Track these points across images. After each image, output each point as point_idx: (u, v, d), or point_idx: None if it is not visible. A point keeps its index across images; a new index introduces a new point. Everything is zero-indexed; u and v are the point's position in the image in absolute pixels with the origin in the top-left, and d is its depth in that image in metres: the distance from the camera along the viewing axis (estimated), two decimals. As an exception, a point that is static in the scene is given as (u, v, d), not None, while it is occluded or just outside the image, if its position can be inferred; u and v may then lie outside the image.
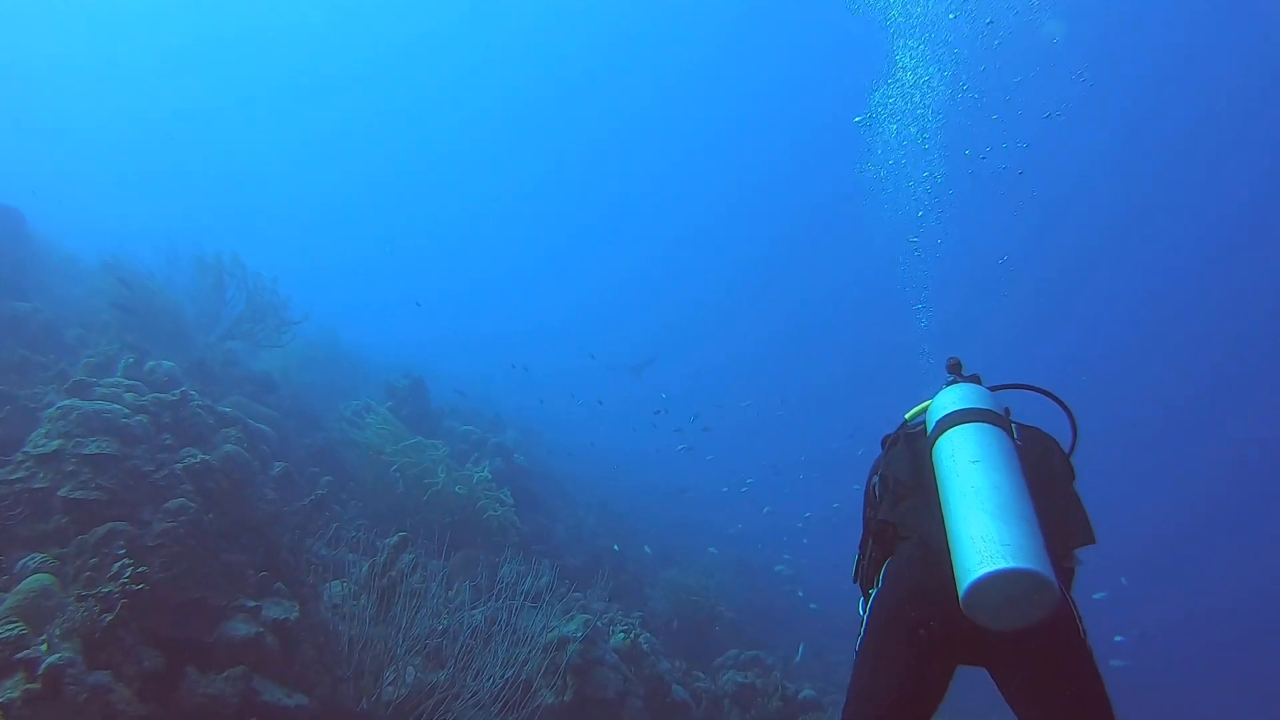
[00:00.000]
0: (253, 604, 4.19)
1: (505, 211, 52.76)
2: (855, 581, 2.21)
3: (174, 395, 4.88)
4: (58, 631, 3.16)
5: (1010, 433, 1.98)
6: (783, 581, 13.51)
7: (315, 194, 45.63)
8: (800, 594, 12.97)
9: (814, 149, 40.45)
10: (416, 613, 4.77)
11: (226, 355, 8.50)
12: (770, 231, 46.00)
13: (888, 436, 2.38)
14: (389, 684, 4.51)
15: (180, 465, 4.49)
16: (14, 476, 3.96)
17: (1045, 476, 1.95)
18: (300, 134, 46.94)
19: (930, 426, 2.07)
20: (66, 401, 4.26)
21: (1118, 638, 15.61)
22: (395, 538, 5.06)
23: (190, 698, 3.63)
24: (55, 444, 4.02)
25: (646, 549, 11.86)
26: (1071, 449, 2.22)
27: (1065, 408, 2.38)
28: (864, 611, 1.99)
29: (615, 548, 10.40)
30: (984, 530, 1.63)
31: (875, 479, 2.26)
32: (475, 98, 49.49)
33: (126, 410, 4.40)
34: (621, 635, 6.13)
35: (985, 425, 1.92)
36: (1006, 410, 2.12)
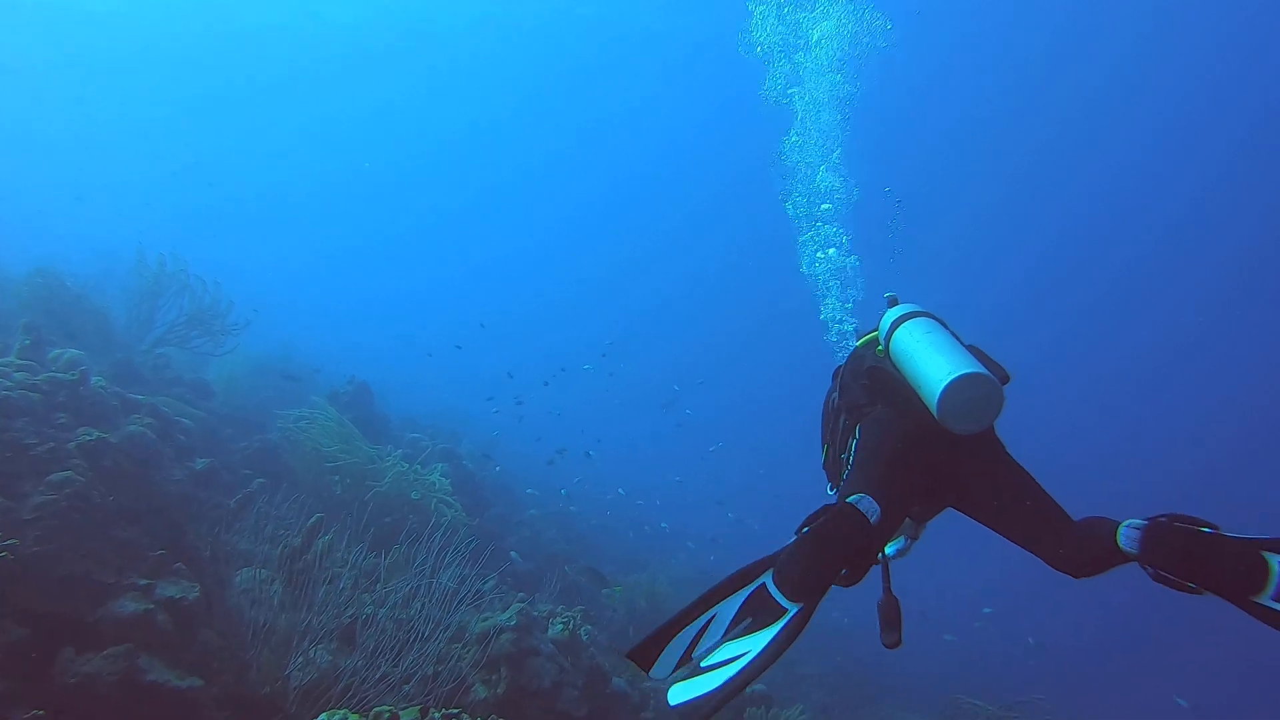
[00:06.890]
0: (145, 582, 3.95)
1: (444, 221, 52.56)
2: (825, 468, 2.69)
3: (72, 375, 4.65)
4: (-99, 596, 2.92)
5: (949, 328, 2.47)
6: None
7: (272, 195, 44.86)
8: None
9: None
10: (330, 597, 4.55)
11: (158, 360, 8.21)
12: (722, 248, 46.40)
13: (838, 368, 2.79)
14: (299, 668, 4.27)
15: (73, 443, 4.26)
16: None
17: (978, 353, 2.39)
18: (259, 134, 45.69)
19: (885, 329, 2.49)
20: (-55, 374, 4.04)
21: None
22: (313, 519, 4.84)
23: (63, 676, 3.39)
24: (-72, 415, 3.79)
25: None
26: None
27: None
28: (832, 492, 2.42)
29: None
30: (941, 361, 2.14)
31: (834, 395, 2.70)
32: (433, 100, 48.31)
33: (11, 384, 4.18)
34: (560, 626, 5.91)
35: (933, 320, 2.41)
36: None
